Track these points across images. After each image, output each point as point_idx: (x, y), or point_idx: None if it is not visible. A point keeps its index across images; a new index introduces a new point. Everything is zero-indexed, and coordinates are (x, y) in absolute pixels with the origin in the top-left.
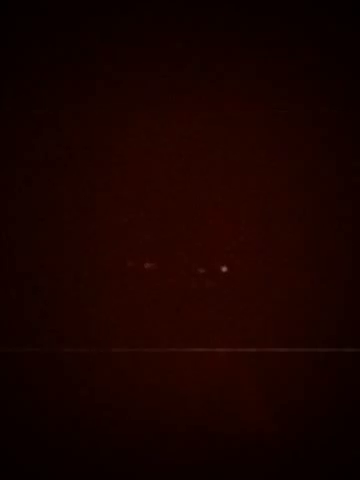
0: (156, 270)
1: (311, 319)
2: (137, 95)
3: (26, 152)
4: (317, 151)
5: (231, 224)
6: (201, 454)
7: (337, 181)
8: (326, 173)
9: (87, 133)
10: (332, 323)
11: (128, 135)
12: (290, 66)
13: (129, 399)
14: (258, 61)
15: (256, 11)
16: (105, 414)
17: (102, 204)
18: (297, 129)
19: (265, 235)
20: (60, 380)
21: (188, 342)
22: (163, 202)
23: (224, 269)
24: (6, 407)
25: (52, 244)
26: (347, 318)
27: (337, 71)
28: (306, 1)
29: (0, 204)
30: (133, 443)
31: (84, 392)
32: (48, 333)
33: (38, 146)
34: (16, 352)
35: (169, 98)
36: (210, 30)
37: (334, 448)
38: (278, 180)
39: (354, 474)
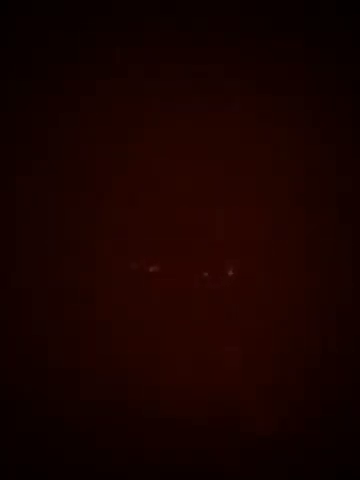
0: (159, 272)
1: (313, 320)
2: (139, 96)
3: (26, 153)
4: (318, 152)
5: (234, 225)
6: None
7: (339, 182)
8: (328, 174)
9: (88, 134)
10: (335, 326)
11: (129, 136)
12: (290, 67)
13: (128, 398)
14: (258, 62)
15: (256, 13)
16: (105, 412)
17: (103, 205)
18: (298, 130)
19: (268, 236)
20: (59, 379)
21: (189, 342)
22: (165, 203)
23: (228, 271)
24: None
25: (52, 245)
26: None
27: (337, 71)
28: (306, 2)
29: (1, 206)
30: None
31: (83, 390)
32: (49, 333)
33: (38, 147)
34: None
35: (171, 99)
36: (210, 31)
37: None
38: (280, 181)
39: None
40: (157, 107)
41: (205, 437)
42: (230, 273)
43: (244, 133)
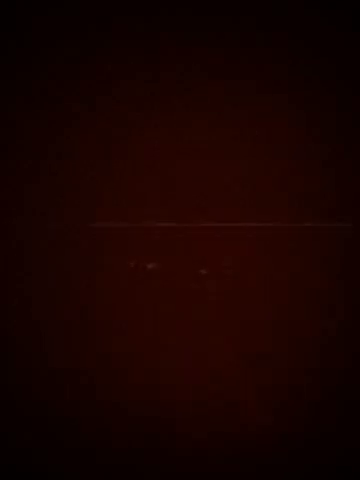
0: (158, 270)
1: (314, 320)
2: (139, 96)
3: (28, 151)
4: (318, 152)
5: (234, 225)
6: None
7: (339, 182)
8: (328, 174)
9: (88, 134)
10: (335, 325)
11: (128, 136)
12: (290, 67)
13: (128, 398)
14: (258, 62)
15: (257, 11)
16: (104, 412)
17: (103, 204)
18: (299, 130)
19: (267, 235)
20: (58, 379)
21: (189, 341)
22: (165, 202)
23: (226, 270)
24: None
25: (53, 244)
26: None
27: (337, 72)
28: (306, 3)
29: (2, 202)
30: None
31: (82, 389)
32: (49, 333)
33: (40, 146)
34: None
35: (171, 98)
36: (211, 30)
37: None
38: (280, 180)
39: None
40: (156, 106)
41: (205, 437)
42: (230, 272)
43: (245, 135)
